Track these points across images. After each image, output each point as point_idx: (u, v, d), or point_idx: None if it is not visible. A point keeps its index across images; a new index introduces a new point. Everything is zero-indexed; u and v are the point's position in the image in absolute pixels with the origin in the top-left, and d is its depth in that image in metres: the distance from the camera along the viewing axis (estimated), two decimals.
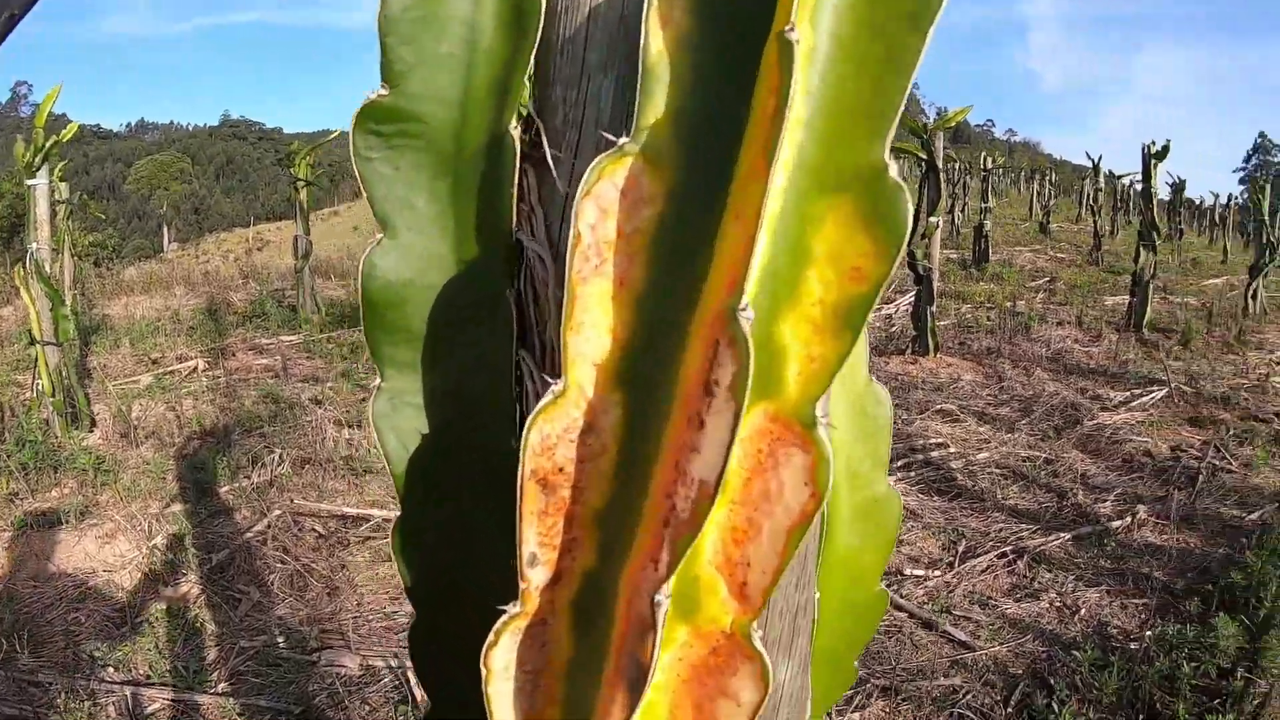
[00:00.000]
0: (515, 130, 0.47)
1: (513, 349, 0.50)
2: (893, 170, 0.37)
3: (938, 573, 3.77)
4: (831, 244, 0.38)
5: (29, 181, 5.29)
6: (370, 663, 3.26)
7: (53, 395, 5.41)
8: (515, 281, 0.50)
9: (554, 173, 0.50)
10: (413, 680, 3.13)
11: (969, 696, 2.92)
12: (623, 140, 0.41)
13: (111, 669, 3.21)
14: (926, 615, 3.42)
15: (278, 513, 4.39)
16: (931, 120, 6.71)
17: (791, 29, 0.34)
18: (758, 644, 0.40)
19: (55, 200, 5.72)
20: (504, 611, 0.46)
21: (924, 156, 6.50)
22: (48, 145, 5.23)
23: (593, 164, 0.40)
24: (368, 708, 3.02)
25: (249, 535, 4.21)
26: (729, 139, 0.39)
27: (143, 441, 5.47)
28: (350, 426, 5.61)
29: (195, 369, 7.33)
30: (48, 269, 5.35)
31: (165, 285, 11.70)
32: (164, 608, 3.63)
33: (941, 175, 6.62)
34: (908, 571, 3.79)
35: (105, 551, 4.10)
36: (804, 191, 0.38)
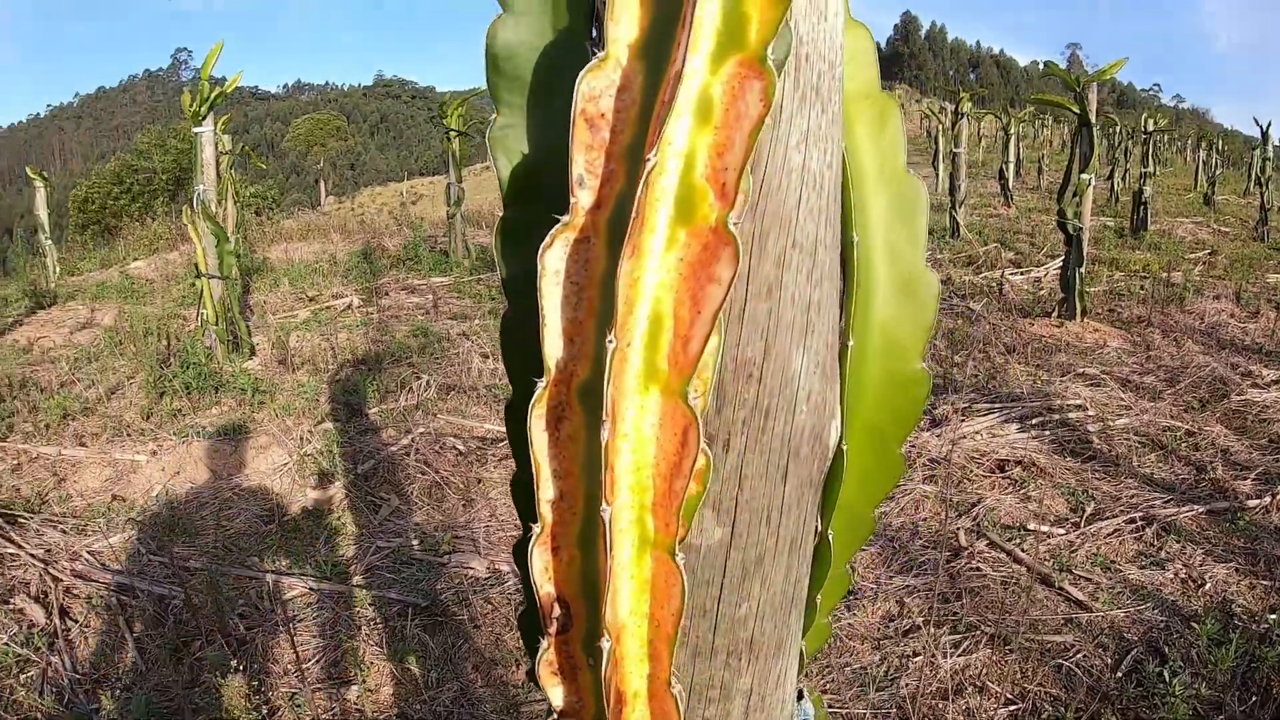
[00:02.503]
0: None
1: None
2: None
3: (1062, 531, 3.66)
4: None
5: (195, 129, 5.71)
6: (497, 567, 3.46)
7: (215, 324, 5.87)
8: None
9: None
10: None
11: (1079, 656, 2.84)
12: None
13: (256, 558, 3.52)
14: (1045, 570, 3.33)
15: (421, 430, 4.67)
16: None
17: None
18: (733, 230, 0.52)
19: (220, 151, 6.15)
20: None
21: (1076, 111, 6.16)
22: (213, 96, 5.64)
23: None
24: (490, 606, 3.21)
25: (393, 449, 4.49)
26: None
27: (298, 367, 5.88)
28: (495, 359, 5.85)
29: (350, 305, 7.78)
30: (213, 209, 5.78)
31: (323, 233, 12.40)
32: (310, 509, 3.94)
33: (1095, 131, 6.26)
34: (1031, 526, 3.70)
35: (259, 460, 4.47)
36: None
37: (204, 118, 5.67)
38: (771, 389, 0.63)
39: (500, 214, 0.63)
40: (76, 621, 3.18)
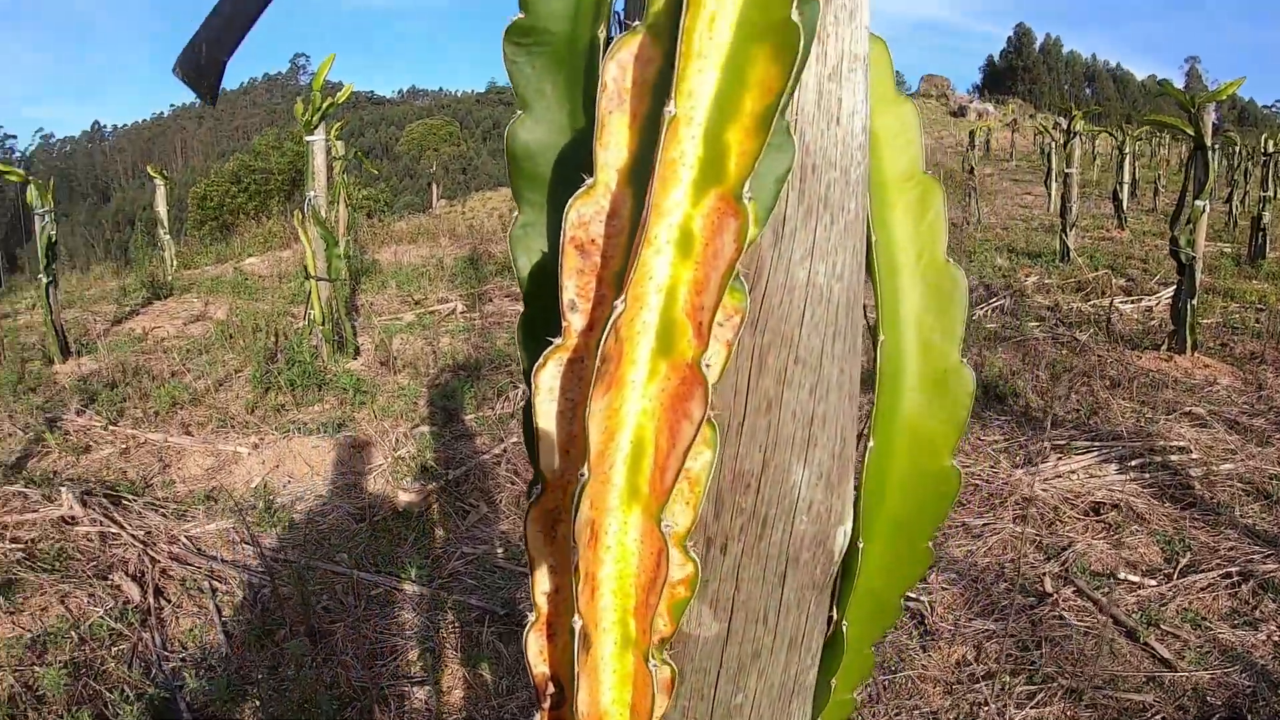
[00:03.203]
0: (602, 34, 0.62)
1: None
2: (795, 16, 0.50)
3: (1153, 582, 3.50)
4: (759, 75, 0.51)
5: (308, 138, 5.97)
6: None
7: (322, 324, 6.12)
8: None
9: None
10: None
11: (1158, 718, 2.72)
12: (636, 23, 0.56)
13: (344, 555, 3.66)
14: (1132, 624, 3.20)
15: (514, 440, 4.77)
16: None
17: None
18: (705, 370, 0.54)
19: (332, 156, 6.41)
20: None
21: (1190, 133, 5.86)
22: (324, 105, 5.88)
23: (615, 39, 0.56)
24: None
25: (485, 457, 4.60)
26: None
27: (400, 370, 6.07)
28: None
29: (454, 310, 7.99)
30: (323, 214, 6.04)
31: (432, 236, 12.75)
32: (400, 510, 4.07)
33: (1211, 154, 5.95)
34: (1122, 575, 3.55)
35: (355, 459, 4.64)
36: (743, 41, 0.52)
37: (316, 127, 5.92)
38: (769, 499, 0.64)
39: (521, 310, 0.65)
40: (169, 601, 3.36)
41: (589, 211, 0.56)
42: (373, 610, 3.33)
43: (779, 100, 0.50)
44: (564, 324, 0.57)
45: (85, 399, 5.59)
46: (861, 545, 0.71)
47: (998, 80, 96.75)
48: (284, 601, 3.27)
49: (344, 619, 3.26)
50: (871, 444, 0.71)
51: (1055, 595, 3.40)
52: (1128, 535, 3.85)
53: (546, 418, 0.57)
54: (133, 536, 3.70)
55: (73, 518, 3.78)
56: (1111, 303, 7.82)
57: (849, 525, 0.71)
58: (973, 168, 14.93)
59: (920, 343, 0.72)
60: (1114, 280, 9.18)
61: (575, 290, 0.56)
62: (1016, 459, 4.68)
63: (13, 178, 6.73)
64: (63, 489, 3.97)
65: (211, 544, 3.78)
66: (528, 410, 0.63)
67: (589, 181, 0.56)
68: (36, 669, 2.87)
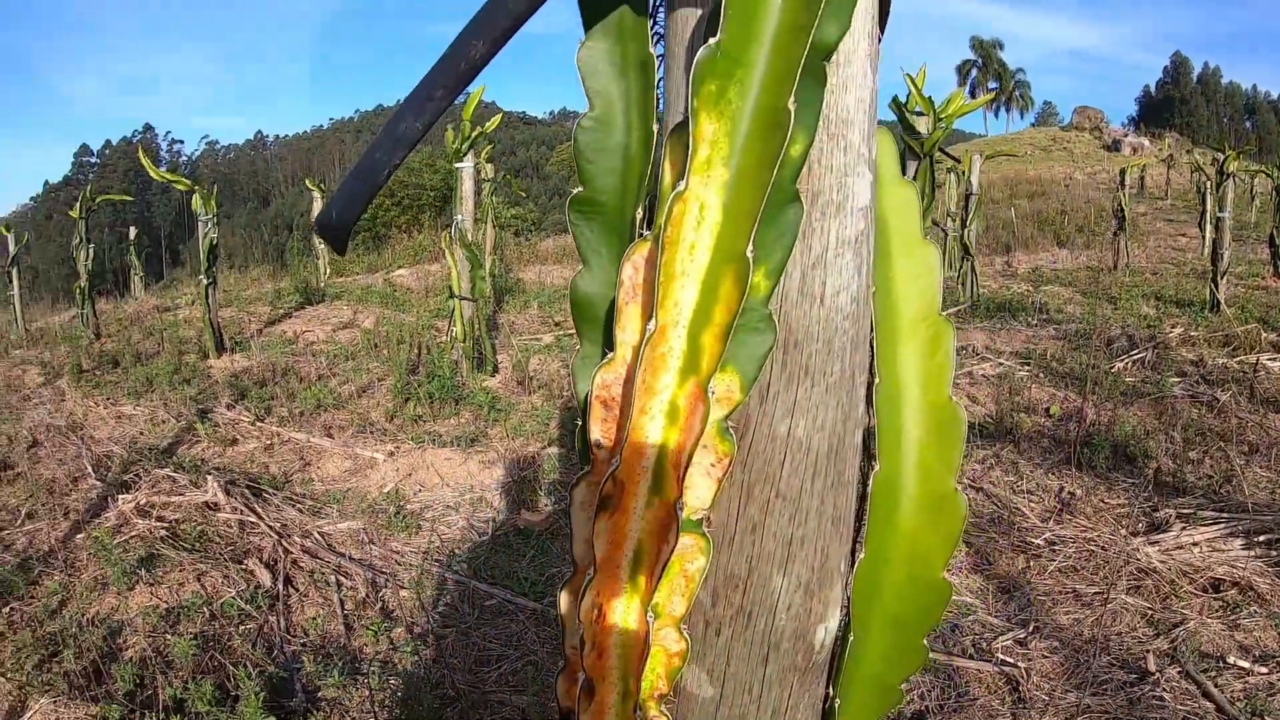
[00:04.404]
0: (640, 213, 0.79)
1: None
2: (748, 251, 0.66)
3: (1264, 670, 3.36)
4: (726, 291, 0.66)
5: (456, 165, 6.35)
6: None
7: (463, 341, 6.48)
8: None
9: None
10: None
11: None
12: (646, 232, 0.72)
13: (464, 565, 3.91)
14: (1235, 713, 3.09)
15: None
16: None
17: (685, 187, 0.66)
18: (679, 511, 0.70)
19: (480, 179, 6.77)
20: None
21: None
22: (474, 134, 6.25)
23: (630, 245, 0.73)
24: None
25: None
26: None
27: (535, 390, 6.34)
28: None
29: None
30: (470, 237, 6.41)
31: (577, 258, 13.13)
32: (521, 528, 4.29)
33: None
34: (1231, 660, 3.42)
35: (484, 474, 4.90)
36: (718, 262, 0.67)
37: (464, 154, 6.30)
38: (754, 599, 0.79)
39: (579, 423, 0.81)
40: (297, 590, 3.66)
41: (610, 377, 0.73)
42: (484, 619, 3.55)
43: (735, 317, 0.65)
44: (592, 456, 0.74)
45: (236, 394, 6.10)
46: (853, 637, 0.84)
47: (1154, 112, 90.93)
48: (403, 602, 3.54)
49: (457, 624, 3.49)
50: (863, 554, 0.84)
51: (1159, 675, 3.31)
52: (1245, 617, 3.69)
53: (577, 522, 0.74)
54: (269, 527, 4.04)
55: (215, 504, 4.15)
56: (1258, 360, 7.39)
57: (832, 623, 0.84)
58: (1121, 207, 14.26)
59: (920, 470, 0.84)
60: (1263, 335, 8.64)
61: (600, 432, 0.74)
62: (1138, 526, 4.53)
63: (180, 186, 7.40)
64: (209, 477, 4.35)
65: (342, 541, 4.10)
66: (568, 513, 0.80)
67: (610, 355, 0.73)
68: (169, 637, 3.16)
